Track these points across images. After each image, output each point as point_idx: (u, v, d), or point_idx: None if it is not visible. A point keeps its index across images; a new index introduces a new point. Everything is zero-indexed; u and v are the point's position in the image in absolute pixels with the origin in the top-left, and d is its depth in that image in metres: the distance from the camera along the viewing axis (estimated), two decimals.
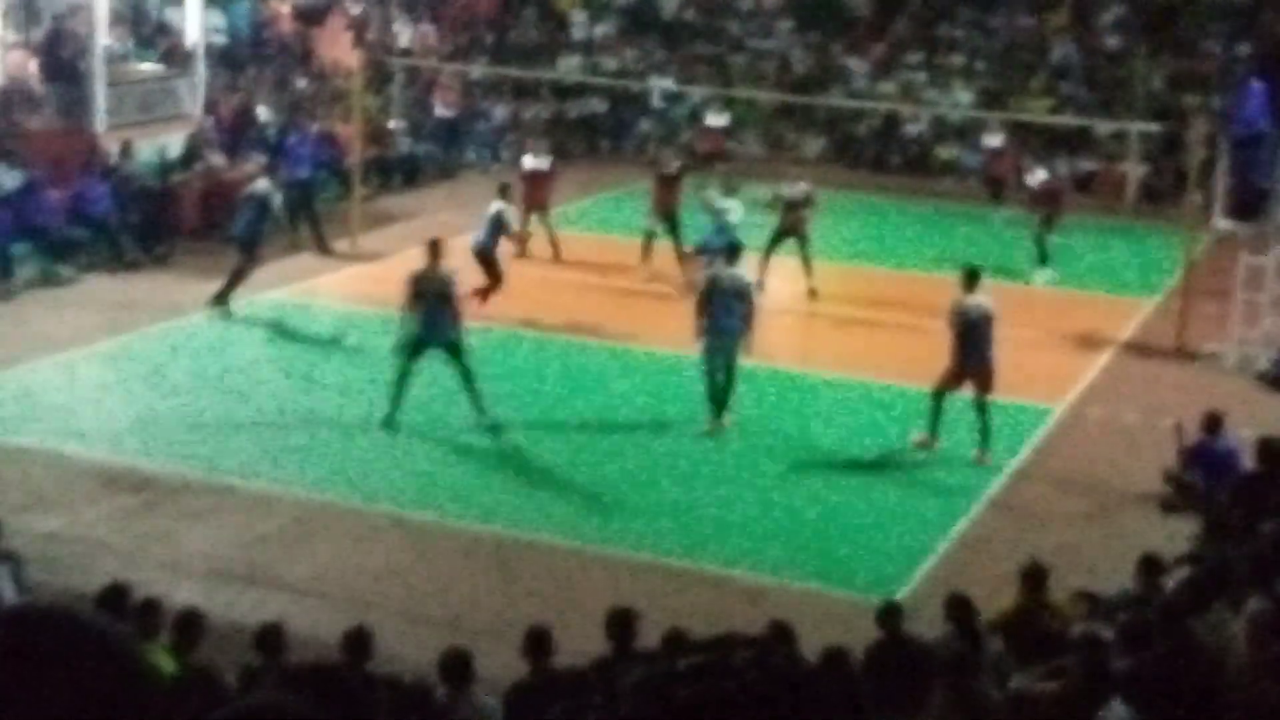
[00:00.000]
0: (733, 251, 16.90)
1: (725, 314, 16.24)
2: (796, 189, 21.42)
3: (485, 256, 20.01)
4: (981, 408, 15.70)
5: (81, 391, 17.01)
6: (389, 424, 15.92)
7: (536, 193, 22.92)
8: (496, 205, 20.30)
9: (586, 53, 33.80)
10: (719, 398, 16.32)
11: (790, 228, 21.24)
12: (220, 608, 11.93)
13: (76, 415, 16.23)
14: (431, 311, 15.89)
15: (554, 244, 22.62)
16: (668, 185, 22.15)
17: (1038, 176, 23.50)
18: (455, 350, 16.09)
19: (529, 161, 23.26)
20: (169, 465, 14.97)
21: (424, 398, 16.89)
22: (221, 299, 19.65)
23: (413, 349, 16.00)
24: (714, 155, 26.58)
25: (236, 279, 19.76)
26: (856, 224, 25.66)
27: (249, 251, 19.95)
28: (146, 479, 14.62)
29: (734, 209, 20.39)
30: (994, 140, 27.84)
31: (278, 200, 20.69)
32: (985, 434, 15.71)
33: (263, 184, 20.59)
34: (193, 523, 13.77)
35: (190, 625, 9.29)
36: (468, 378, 16.12)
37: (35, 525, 13.42)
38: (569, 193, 24.76)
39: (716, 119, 27.29)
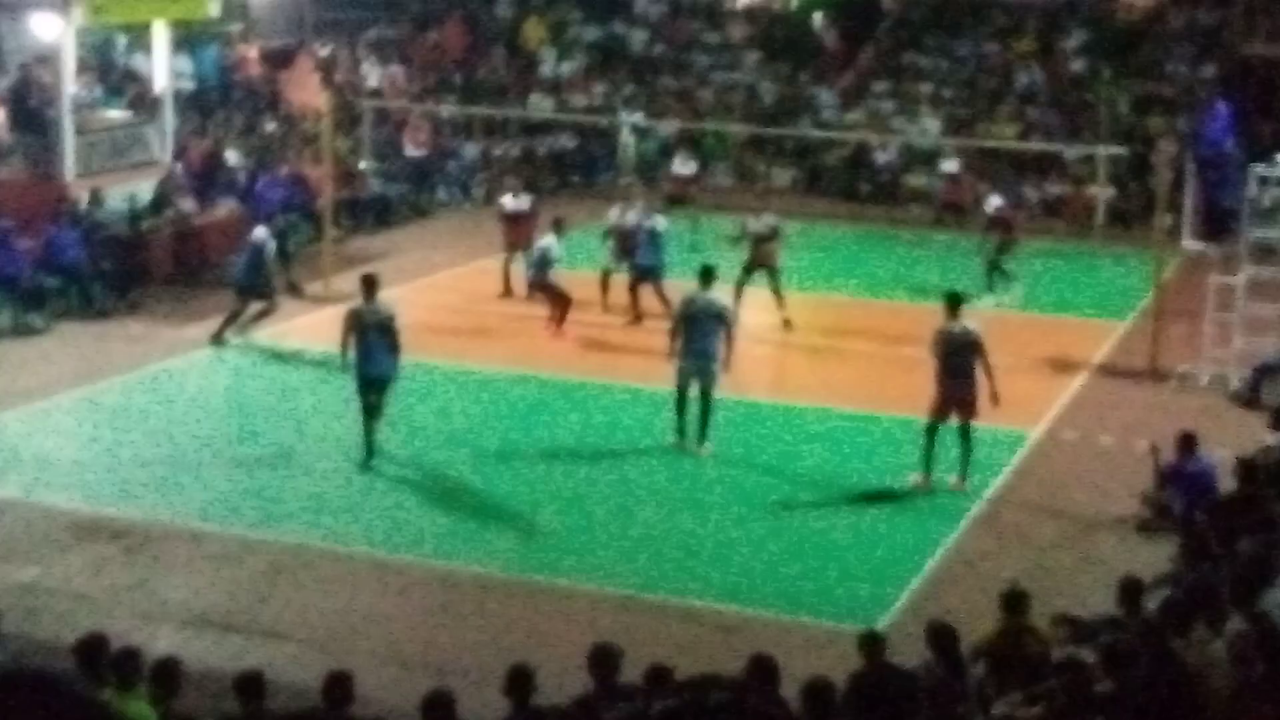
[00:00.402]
0: (707, 275, 16.85)
1: (701, 337, 16.37)
2: (762, 222, 21.49)
3: (542, 287, 20.91)
4: (965, 434, 15.72)
5: (55, 440, 16.92)
6: (369, 458, 16.15)
7: (517, 233, 22.88)
8: (545, 240, 21.14)
9: (555, 90, 33.88)
10: (700, 421, 16.47)
11: (759, 260, 21.30)
12: (199, 655, 11.86)
13: (51, 465, 16.14)
14: (369, 346, 16.06)
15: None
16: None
17: (993, 203, 23.67)
18: (383, 386, 16.23)
19: (509, 203, 23.21)
20: (145, 513, 14.89)
21: (398, 441, 16.87)
22: (218, 338, 20.33)
23: (361, 387, 16.19)
24: (680, 199, 26.48)
25: (231, 319, 20.46)
26: (828, 253, 25.73)
27: (244, 296, 20.49)
28: (122, 527, 14.54)
29: (661, 221, 21.69)
30: (951, 166, 28.05)
31: (272, 247, 20.84)
32: (965, 461, 15.73)
33: (260, 232, 20.81)
34: (170, 570, 13.69)
35: (168, 674, 9.21)
36: (376, 411, 16.19)
37: (11, 576, 13.35)
38: (540, 229, 24.66)
39: (684, 167, 27.27)
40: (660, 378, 17.16)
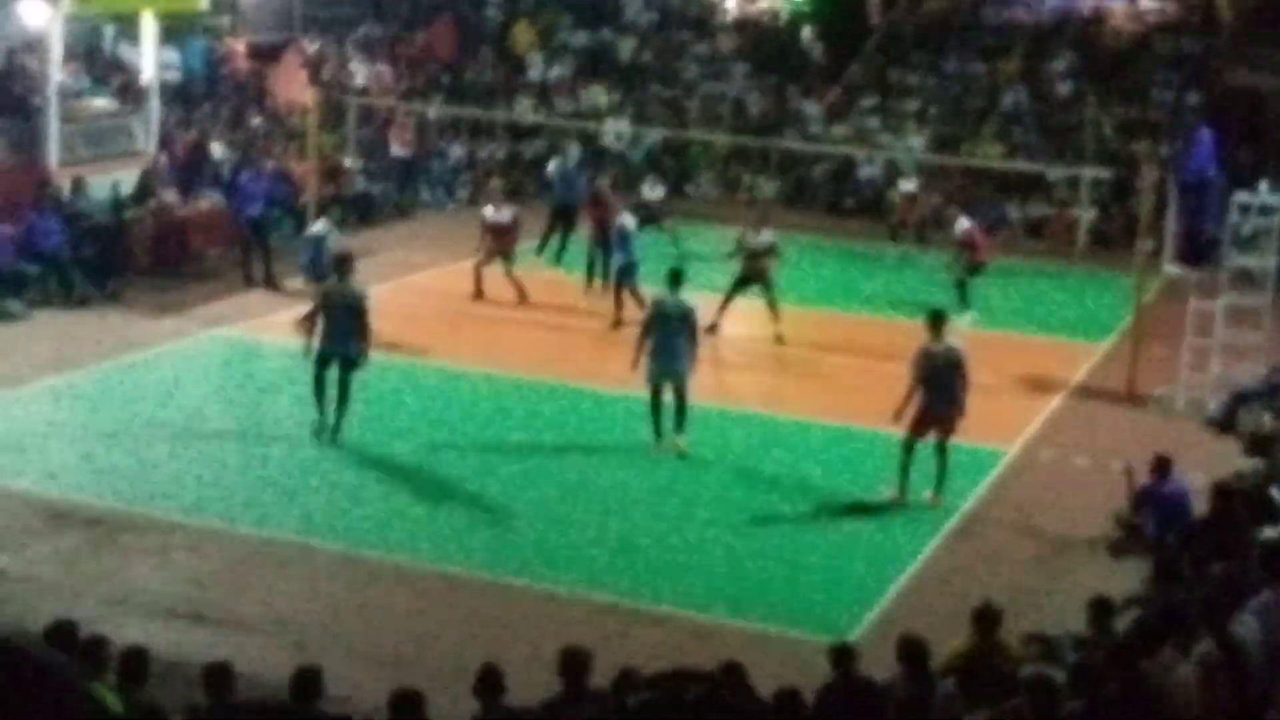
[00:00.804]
0: (675, 278, 17.09)
1: (668, 340, 16.65)
2: (761, 238, 21.55)
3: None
4: (942, 451, 15.75)
5: (29, 427, 16.85)
6: (318, 431, 16.60)
7: (499, 242, 22.79)
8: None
9: (543, 94, 33.89)
10: (676, 416, 16.72)
11: (754, 274, 21.35)
12: (168, 646, 11.81)
13: (23, 451, 16.08)
14: (337, 324, 16.55)
15: (519, 288, 22.52)
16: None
17: (961, 225, 23.58)
18: (349, 365, 16.63)
19: (490, 214, 23.07)
20: (117, 502, 14.85)
21: (371, 436, 16.86)
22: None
23: (319, 360, 16.64)
24: (651, 220, 26.31)
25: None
26: (811, 266, 25.75)
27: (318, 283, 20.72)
28: (95, 516, 14.49)
29: (629, 220, 21.93)
30: (909, 186, 27.94)
31: (334, 238, 20.91)
32: (941, 477, 15.76)
33: (319, 225, 21.12)
34: (141, 560, 13.65)
35: (136, 663, 9.18)
36: (344, 394, 16.60)
37: None
38: (526, 230, 24.68)
39: (652, 192, 27.10)
40: (635, 382, 17.16)
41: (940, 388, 15.58)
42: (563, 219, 25.01)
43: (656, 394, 16.82)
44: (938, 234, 26.29)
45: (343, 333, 16.60)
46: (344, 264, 17.14)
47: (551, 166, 25.79)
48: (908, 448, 15.69)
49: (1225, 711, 9.09)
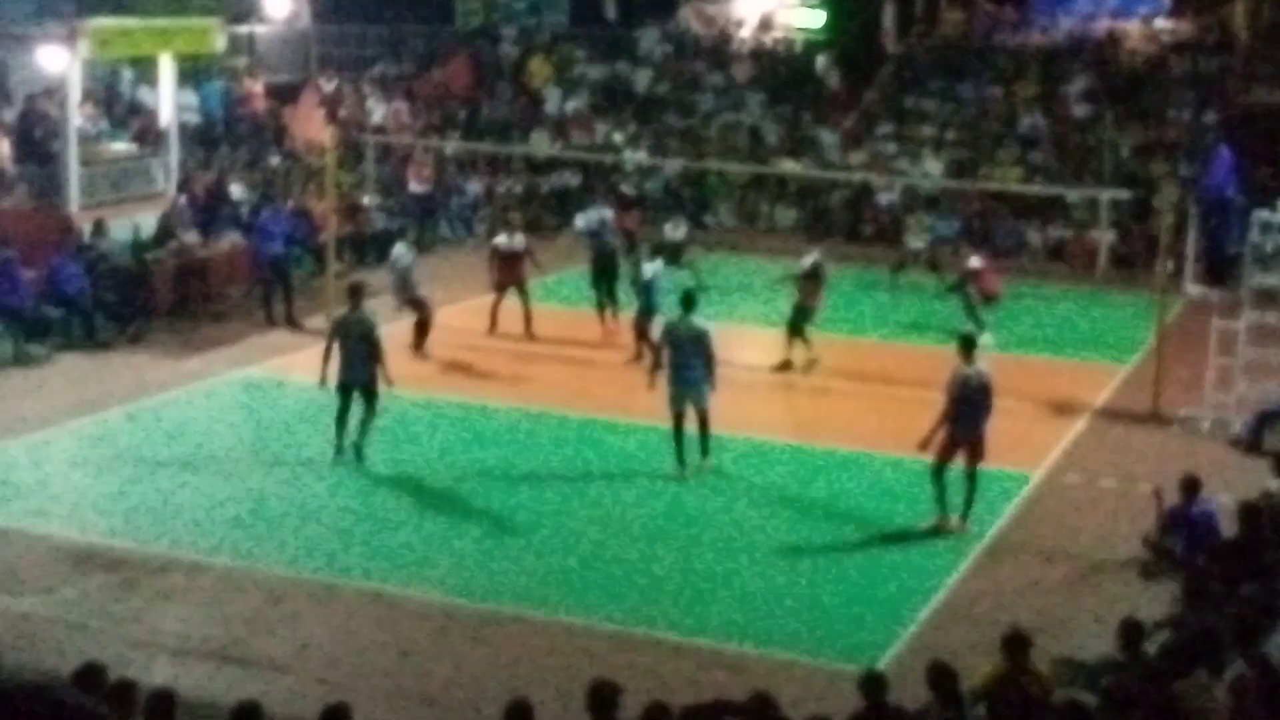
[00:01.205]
0: (688, 301, 17.24)
1: (686, 365, 16.76)
2: (806, 261, 21.61)
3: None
4: (971, 477, 15.71)
5: (55, 471, 16.90)
6: (338, 453, 17.10)
7: (508, 272, 22.90)
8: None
9: (559, 128, 33.98)
10: (700, 438, 16.88)
11: (807, 301, 21.58)
12: (196, 687, 11.83)
13: (50, 495, 16.11)
14: (352, 353, 17.04)
15: (527, 319, 22.63)
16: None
17: (971, 263, 23.47)
18: (367, 393, 17.08)
19: (502, 242, 23.22)
20: (143, 544, 14.86)
21: (395, 472, 16.87)
22: (418, 347, 21.46)
23: (340, 389, 17.11)
24: (675, 259, 26.22)
25: (422, 330, 21.61)
26: (830, 294, 25.69)
27: (421, 307, 21.66)
28: (121, 558, 14.50)
29: (653, 269, 21.63)
30: (918, 243, 27.56)
31: (410, 259, 22.29)
32: (969, 503, 15.70)
33: (399, 249, 22.43)
34: (168, 601, 13.65)
35: (161, 706, 9.17)
36: (366, 420, 17.13)
37: (9, 606, 13.31)
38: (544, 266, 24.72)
39: (675, 232, 26.77)
40: (659, 413, 17.15)
41: (970, 412, 15.55)
42: (603, 270, 23.68)
43: (679, 419, 16.87)
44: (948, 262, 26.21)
45: (359, 360, 17.03)
46: (355, 293, 17.56)
47: (581, 222, 25.50)
48: (939, 473, 15.62)
49: None
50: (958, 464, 15.73)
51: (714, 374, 16.94)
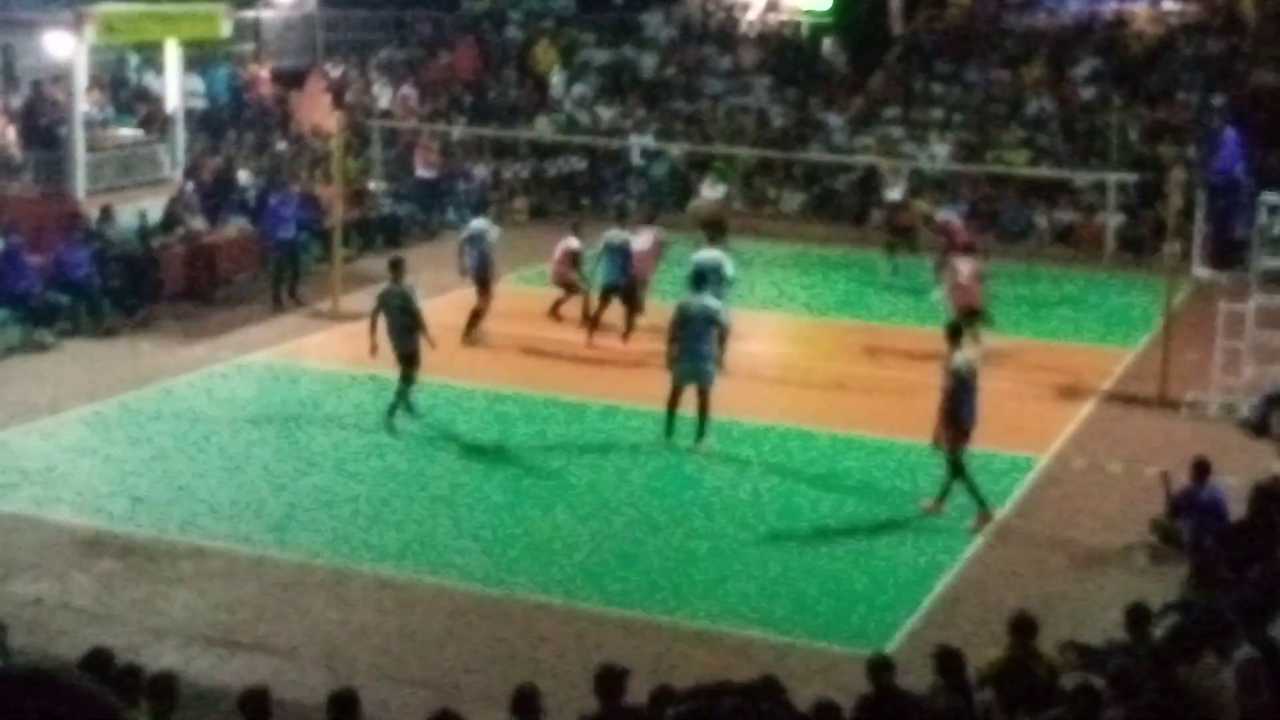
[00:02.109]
0: (700, 280, 17.67)
1: (696, 341, 16.98)
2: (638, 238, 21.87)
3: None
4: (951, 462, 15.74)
5: (63, 457, 16.92)
6: (415, 416, 17.88)
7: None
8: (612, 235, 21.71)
9: (565, 112, 33.95)
10: (698, 420, 17.03)
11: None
12: (204, 672, 11.87)
13: (59, 481, 16.14)
14: (395, 323, 17.75)
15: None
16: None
17: (940, 215, 23.70)
18: (408, 361, 17.76)
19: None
20: (152, 530, 14.89)
21: (403, 458, 16.89)
22: (469, 335, 21.42)
23: (396, 358, 17.79)
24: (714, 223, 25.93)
25: (475, 318, 21.54)
26: (838, 278, 25.73)
27: (485, 294, 21.52)
28: (130, 544, 14.54)
29: (615, 236, 21.74)
30: (894, 194, 27.47)
31: (494, 234, 22.02)
32: (946, 489, 15.62)
33: (478, 223, 22.26)
34: (176, 587, 13.68)
35: (165, 688, 9.19)
36: (402, 390, 17.78)
37: (18, 591, 13.35)
38: (548, 251, 24.71)
39: (712, 191, 26.70)
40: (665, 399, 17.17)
41: (969, 399, 15.51)
42: (613, 299, 21.89)
43: (678, 392, 17.10)
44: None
45: (401, 329, 17.69)
46: (396, 266, 18.24)
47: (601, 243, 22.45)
48: (960, 467, 15.43)
49: (1266, 716, 9.03)
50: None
51: (724, 352, 17.23)
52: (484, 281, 21.71)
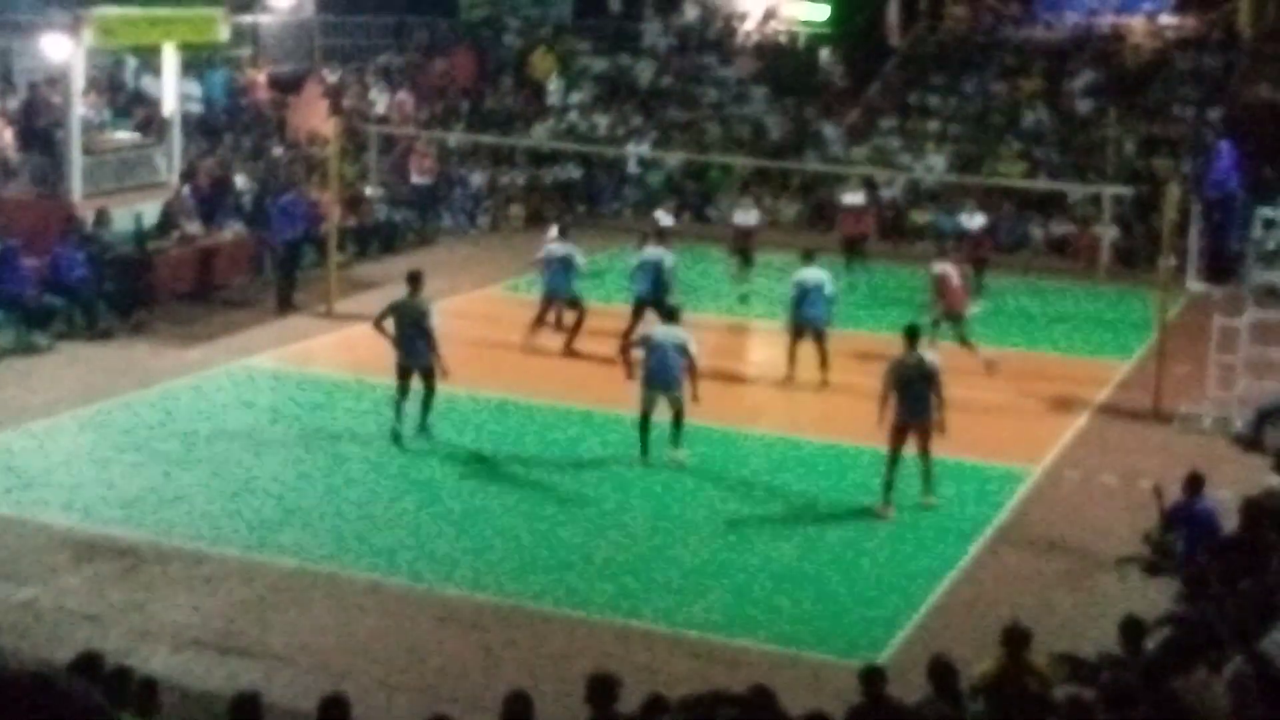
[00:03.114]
0: (670, 314, 17.69)
1: (663, 369, 16.98)
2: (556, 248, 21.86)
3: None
4: (924, 456, 16.05)
5: (56, 460, 16.90)
6: (395, 439, 17.46)
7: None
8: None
9: (562, 119, 33.97)
10: (672, 428, 17.02)
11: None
12: (196, 676, 11.86)
13: (51, 484, 16.12)
14: (407, 338, 17.48)
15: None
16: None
17: (937, 268, 22.92)
18: (427, 375, 17.62)
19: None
20: (145, 533, 14.87)
21: (399, 466, 16.88)
22: (568, 348, 21.48)
23: (399, 371, 17.54)
24: (745, 249, 25.70)
25: (575, 330, 21.56)
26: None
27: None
28: (123, 547, 14.51)
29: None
30: (853, 198, 27.06)
31: (580, 259, 21.80)
32: (928, 478, 16.07)
33: (655, 250, 21.53)
34: (169, 591, 13.66)
35: (147, 694, 9.19)
36: (427, 401, 17.67)
37: (10, 594, 13.32)
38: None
39: (665, 219, 26.10)
40: (660, 410, 17.15)
41: (913, 397, 15.88)
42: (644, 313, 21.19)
43: (647, 416, 17.11)
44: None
45: (411, 345, 17.51)
46: (414, 280, 17.92)
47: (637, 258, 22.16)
48: (892, 460, 15.94)
49: None
50: (911, 449, 15.97)
51: (696, 385, 17.07)
52: (571, 301, 21.81)
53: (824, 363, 20.35)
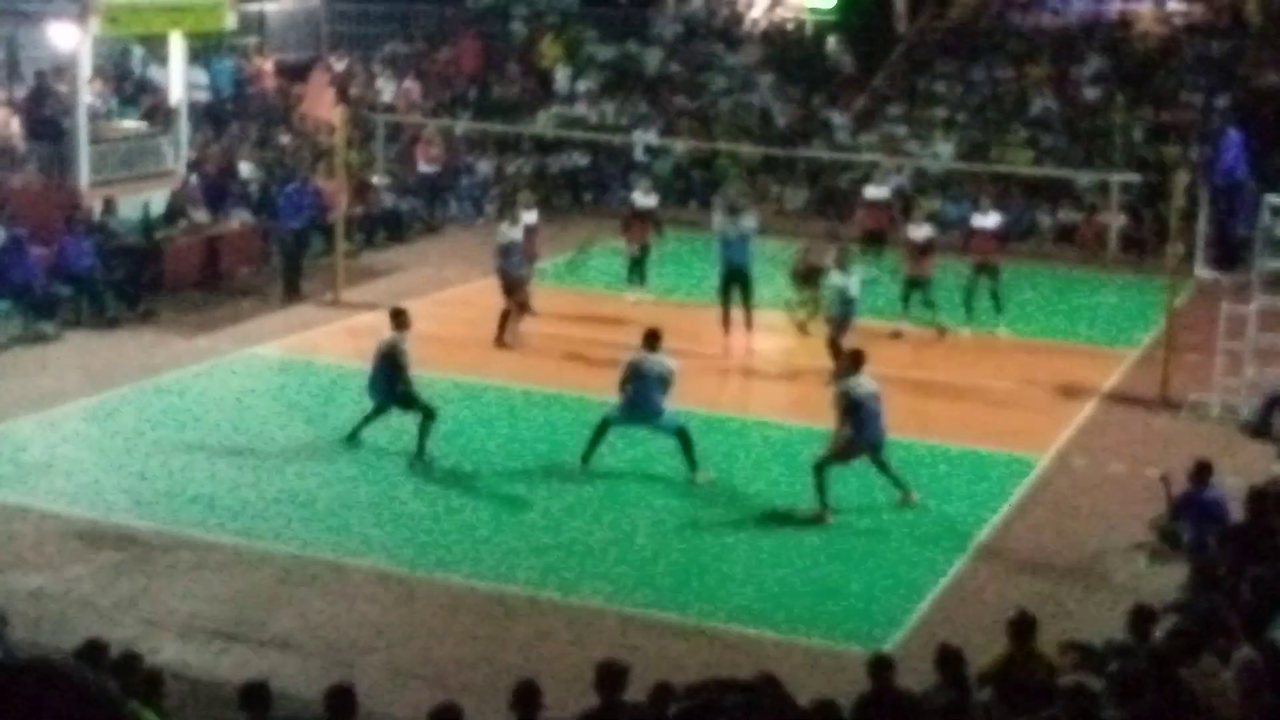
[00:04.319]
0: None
1: (645, 399, 16.48)
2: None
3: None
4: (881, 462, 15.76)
5: (64, 448, 16.92)
6: (351, 439, 17.06)
7: (526, 245, 22.87)
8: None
9: (569, 106, 33.94)
10: (684, 453, 16.41)
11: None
12: (204, 664, 11.87)
13: (59, 472, 16.14)
14: (378, 373, 16.91)
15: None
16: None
17: (922, 231, 22.96)
18: (407, 403, 16.91)
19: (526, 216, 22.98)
20: (152, 522, 14.89)
21: (405, 454, 16.87)
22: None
23: (376, 406, 17.10)
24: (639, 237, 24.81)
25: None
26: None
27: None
28: (130, 536, 14.54)
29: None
30: (878, 192, 26.40)
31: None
32: (898, 481, 15.85)
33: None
34: (176, 579, 13.68)
35: (152, 681, 9.21)
36: (423, 429, 16.79)
37: (18, 583, 13.35)
38: (552, 247, 24.74)
39: (646, 199, 26.05)
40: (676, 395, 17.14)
41: (864, 420, 15.45)
42: (734, 283, 21.60)
43: (608, 426, 16.64)
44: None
45: (380, 382, 16.93)
46: (398, 317, 17.20)
47: (719, 223, 22.27)
48: (821, 470, 15.46)
49: (1266, 718, 9.02)
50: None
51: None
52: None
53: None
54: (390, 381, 16.83)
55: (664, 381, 16.52)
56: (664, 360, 16.67)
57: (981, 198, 24.66)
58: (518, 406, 18.88)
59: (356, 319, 22.02)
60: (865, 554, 14.83)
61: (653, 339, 16.76)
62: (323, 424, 17.84)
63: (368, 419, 17.02)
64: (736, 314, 21.19)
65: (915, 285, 22.38)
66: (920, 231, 22.69)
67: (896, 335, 21.81)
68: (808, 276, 21.99)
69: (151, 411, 18.25)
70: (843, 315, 19.89)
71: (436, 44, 35.95)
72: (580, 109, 33.92)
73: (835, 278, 20.09)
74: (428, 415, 16.78)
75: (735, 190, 20.89)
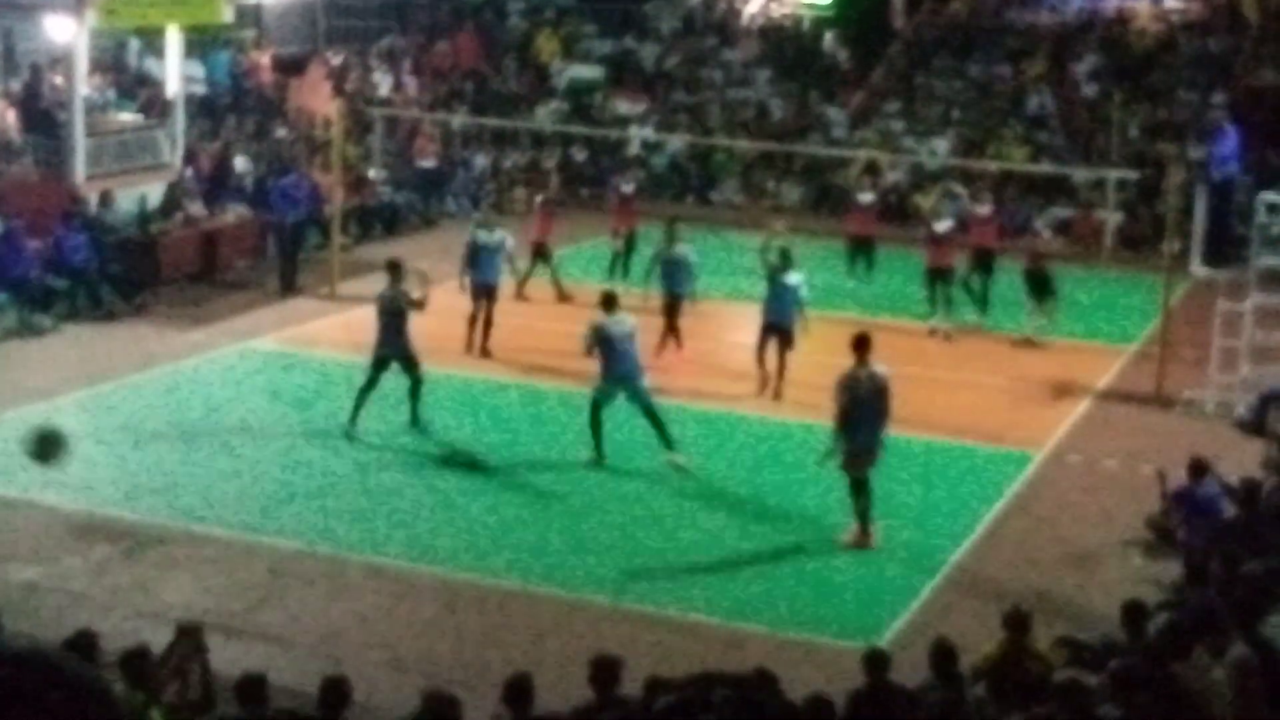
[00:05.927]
0: (609, 301, 16.82)
1: (619, 361, 16.46)
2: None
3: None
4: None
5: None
6: (349, 433, 17.03)
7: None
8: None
9: (566, 101, 33.94)
10: (656, 432, 16.38)
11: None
12: None
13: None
14: (385, 327, 17.25)
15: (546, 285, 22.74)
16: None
17: (944, 224, 22.90)
18: (408, 365, 17.30)
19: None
20: (147, 515, 14.89)
21: (400, 448, 16.88)
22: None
23: (375, 363, 17.31)
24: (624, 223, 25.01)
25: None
26: (836, 272, 25.65)
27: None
28: (125, 529, 14.54)
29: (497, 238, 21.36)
30: (866, 197, 25.98)
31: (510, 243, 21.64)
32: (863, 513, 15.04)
33: (682, 247, 21.10)
34: (171, 572, 13.69)
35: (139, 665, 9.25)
36: (414, 392, 17.35)
37: (12, 575, 13.36)
38: (557, 239, 24.70)
39: (627, 186, 26.00)
40: (671, 391, 17.14)
41: (866, 418, 14.69)
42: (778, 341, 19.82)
43: (599, 409, 16.55)
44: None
45: (390, 334, 17.26)
46: (393, 268, 17.73)
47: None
48: (860, 486, 14.70)
49: (1258, 714, 9.04)
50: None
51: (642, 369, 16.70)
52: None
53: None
54: (399, 333, 17.20)
55: (631, 338, 16.62)
56: (625, 318, 16.79)
57: (981, 191, 24.66)
58: (513, 401, 18.87)
59: (352, 313, 21.98)
60: (860, 549, 14.81)
61: (610, 301, 16.92)
62: (318, 417, 17.83)
63: (363, 392, 17.15)
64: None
65: (939, 276, 22.50)
66: (942, 224, 22.76)
67: (935, 334, 21.96)
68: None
69: (147, 405, 18.24)
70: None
71: (434, 38, 35.92)
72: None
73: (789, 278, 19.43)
74: (417, 381, 17.31)
75: (780, 245, 19.71)
